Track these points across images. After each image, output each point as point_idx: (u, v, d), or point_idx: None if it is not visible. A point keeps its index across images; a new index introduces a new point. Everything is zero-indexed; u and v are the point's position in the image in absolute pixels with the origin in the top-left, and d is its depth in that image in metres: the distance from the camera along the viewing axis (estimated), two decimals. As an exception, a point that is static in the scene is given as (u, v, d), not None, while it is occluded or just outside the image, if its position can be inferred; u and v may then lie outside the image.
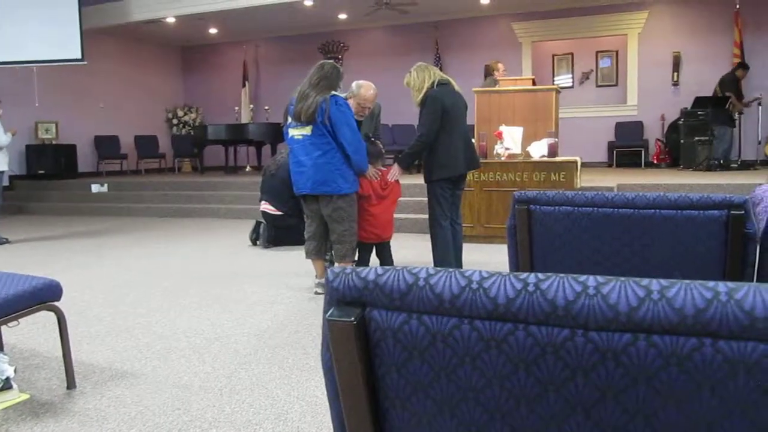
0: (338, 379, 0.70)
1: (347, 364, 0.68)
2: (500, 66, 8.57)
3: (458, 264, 4.75)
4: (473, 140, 6.86)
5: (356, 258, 4.60)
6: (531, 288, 0.61)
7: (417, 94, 4.44)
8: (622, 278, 0.60)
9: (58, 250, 6.83)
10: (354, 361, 0.68)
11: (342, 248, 4.32)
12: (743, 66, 9.99)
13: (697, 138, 9.39)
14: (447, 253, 4.55)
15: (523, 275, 0.62)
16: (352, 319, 0.67)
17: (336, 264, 4.56)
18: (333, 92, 4.17)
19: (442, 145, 4.42)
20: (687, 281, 0.58)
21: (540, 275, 0.62)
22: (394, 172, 4.62)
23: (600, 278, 0.60)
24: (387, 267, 0.69)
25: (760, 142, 10.65)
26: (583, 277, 0.61)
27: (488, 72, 8.43)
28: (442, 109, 4.36)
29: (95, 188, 10.72)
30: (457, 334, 0.64)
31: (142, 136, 13.51)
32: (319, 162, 4.17)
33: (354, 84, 4.73)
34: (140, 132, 13.56)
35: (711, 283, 0.58)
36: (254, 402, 2.69)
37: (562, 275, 0.61)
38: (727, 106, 9.65)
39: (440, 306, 0.64)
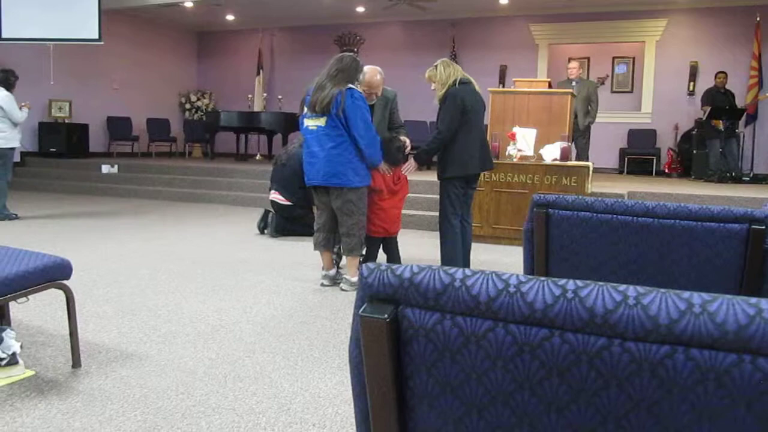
0: (366, 375, 0.70)
1: (377, 362, 0.68)
2: (569, 64, 8.70)
3: (466, 264, 4.74)
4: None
5: (362, 251, 4.60)
6: (570, 295, 0.60)
7: (440, 89, 4.42)
8: (663, 290, 0.59)
9: (67, 228, 6.85)
10: (384, 358, 0.67)
11: (350, 241, 4.32)
12: (718, 74, 9.93)
13: (707, 150, 9.52)
14: (455, 252, 4.55)
15: (562, 281, 0.62)
16: (385, 316, 0.66)
17: (344, 257, 4.56)
18: (350, 85, 4.16)
19: (458, 143, 4.42)
20: (729, 296, 0.58)
21: (579, 282, 0.61)
22: (409, 167, 4.61)
23: (640, 288, 0.60)
24: (423, 265, 0.68)
25: (773, 157, 10.59)
26: (623, 287, 0.60)
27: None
28: (463, 108, 4.36)
29: (105, 169, 10.74)
30: (491, 336, 0.63)
31: (154, 119, 13.53)
32: (332, 154, 4.17)
33: None
34: (152, 115, 13.58)
35: (754, 300, 0.57)
36: (258, 390, 2.69)
37: (601, 283, 0.61)
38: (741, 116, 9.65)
39: (476, 308, 0.63)
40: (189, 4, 11.69)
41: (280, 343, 3.31)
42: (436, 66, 4.49)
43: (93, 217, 7.73)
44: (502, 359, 0.64)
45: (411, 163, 4.62)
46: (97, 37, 10.00)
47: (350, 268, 4.45)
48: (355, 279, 4.42)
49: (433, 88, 4.51)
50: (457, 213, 4.53)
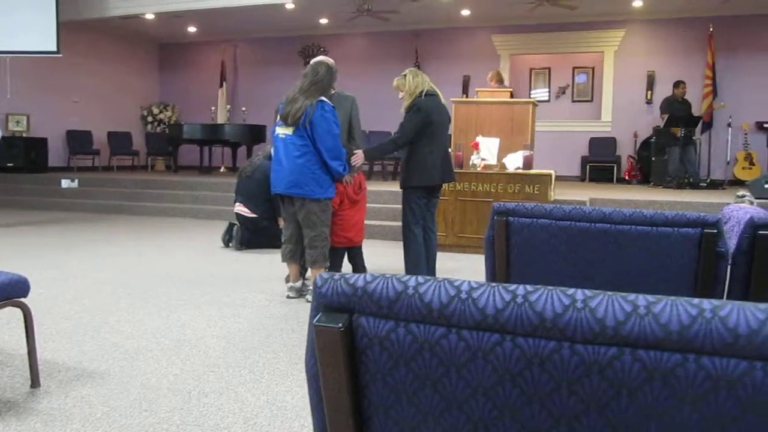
0: (323, 385, 0.70)
1: (333, 371, 0.68)
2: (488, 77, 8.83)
3: (431, 272, 4.77)
4: (450, 150, 6.93)
5: (326, 264, 4.58)
6: (520, 300, 0.61)
7: (408, 98, 4.49)
8: (610, 292, 0.61)
9: (25, 245, 6.69)
10: (340, 367, 0.67)
11: (313, 253, 4.30)
12: (676, 84, 10.18)
13: (666, 157, 9.78)
14: (419, 260, 4.58)
15: (512, 287, 0.63)
16: (340, 325, 0.67)
17: (309, 270, 4.54)
18: (322, 98, 4.17)
19: (421, 154, 4.47)
20: (673, 297, 0.59)
21: (529, 287, 0.62)
22: (357, 159, 4.57)
23: (588, 292, 0.61)
24: (376, 274, 0.69)
25: (728, 163, 10.88)
26: (571, 291, 0.61)
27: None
28: (428, 120, 4.43)
29: (65, 183, 10.53)
30: (444, 343, 0.64)
31: (115, 132, 13.32)
32: (296, 163, 4.16)
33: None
34: (114, 128, 13.37)
35: (696, 300, 0.59)
36: (223, 405, 2.66)
37: (550, 288, 0.62)
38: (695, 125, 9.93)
39: (428, 315, 0.64)
40: (150, 16, 11.57)
41: (245, 356, 3.28)
42: (404, 75, 4.56)
43: (52, 233, 7.57)
44: (455, 365, 0.64)
45: (359, 155, 4.55)
46: (55, 49, 9.82)
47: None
48: (320, 290, 4.40)
49: (400, 96, 4.57)
50: (418, 222, 4.58)
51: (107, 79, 13.57)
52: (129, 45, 14.22)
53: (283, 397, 2.75)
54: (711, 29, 10.71)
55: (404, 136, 4.45)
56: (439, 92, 4.60)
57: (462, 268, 5.75)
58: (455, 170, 6.52)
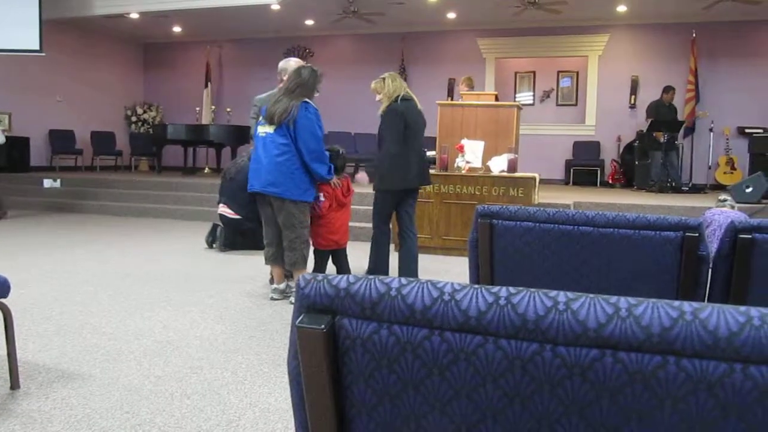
0: (305, 387, 0.70)
1: (315, 373, 0.68)
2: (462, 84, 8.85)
3: (413, 274, 4.79)
4: (434, 153, 6.96)
5: (306, 266, 4.57)
6: (502, 302, 0.61)
7: (386, 101, 4.53)
8: (592, 295, 0.61)
9: (6, 245, 6.61)
10: (322, 369, 0.67)
11: (292, 255, 4.28)
12: (666, 89, 10.29)
13: (649, 161, 9.90)
14: (384, 259, 4.70)
15: (495, 288, 0.63)
16: (322, 326, 0.66)
17: (291, 272, 4.53)
18: (306, 99, 4.16)
19: (395, 158, 4.52)
20: (654, 300, 0.60)
21: (511, 289, 0.63)
22: (363, 179, 4.68)
23: (570, 294, 0.61)
24: (359, 275, 0.69)
25: (710, 167, 11.00)
26: (553, 293, 0.61)
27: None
28: (404, 124, 4.47)
29: (47, 183, 10.43)
30: (427, 345, 0.64)
31: (98, 132, 13.20)
32: (275, 162, 4.14)
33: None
34: (97, 128, 13.25)
35: (677, 303, 0.59)
36: (205, 407, 2.64)
37: (533, 290, 0.62)
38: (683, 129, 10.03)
39: (411, 316, 0.64)
40: (135, 16, 11.49)
41: (228, 358, 3.26)
42: (383, 78, 4.59)
43: (34, 233, 7.49)
44: (438, 367, 0.64)
45: (363, 175, 4.69)
46: (38, 47, 9.72)
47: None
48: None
49: (378, 99, 4.60)
50: (386, 222, 4.70)
51: (91, 79, 13.45)
52: (113, 44, 14.11)
53: (266, 399, 2.74)
54: (694, 35, 10.82)
55: (393, 143, 4.50)
56: (414, 98, 4.65)
57: (446, 271, 5.76)
58: (441, 173, 6.58)
